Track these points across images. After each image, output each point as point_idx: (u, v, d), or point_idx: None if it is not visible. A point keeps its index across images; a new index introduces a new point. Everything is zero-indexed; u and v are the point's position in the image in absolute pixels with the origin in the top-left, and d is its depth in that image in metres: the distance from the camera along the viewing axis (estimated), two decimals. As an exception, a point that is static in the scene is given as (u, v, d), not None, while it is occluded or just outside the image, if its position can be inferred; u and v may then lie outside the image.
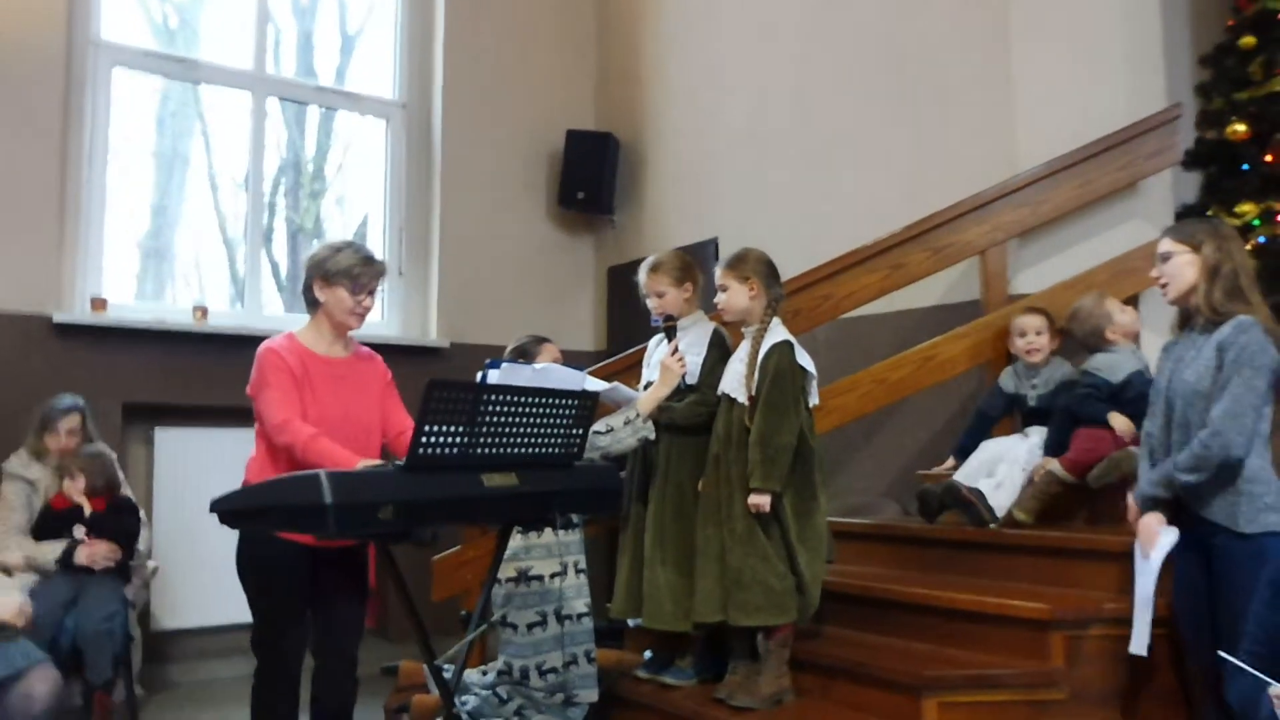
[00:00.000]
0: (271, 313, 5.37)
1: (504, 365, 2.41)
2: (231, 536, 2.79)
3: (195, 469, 4.78)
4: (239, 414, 4.69)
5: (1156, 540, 2.67)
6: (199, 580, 4.71)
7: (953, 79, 4.38)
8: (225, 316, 5.12)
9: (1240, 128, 4.07)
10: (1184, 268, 2.72)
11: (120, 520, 3.91)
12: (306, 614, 2.88)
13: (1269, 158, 4.04)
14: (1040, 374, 3.61)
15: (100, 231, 4.89)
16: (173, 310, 5.02)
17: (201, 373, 4.82)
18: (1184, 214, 4.13)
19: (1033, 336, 3.62)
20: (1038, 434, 3.55)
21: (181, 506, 4.73)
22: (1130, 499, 2.82)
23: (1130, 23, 4.04)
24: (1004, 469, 3.45)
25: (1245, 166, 4.10)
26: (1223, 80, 4.25)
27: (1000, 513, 3.38)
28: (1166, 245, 2.78)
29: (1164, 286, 2.79)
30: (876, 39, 4.69)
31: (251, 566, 2.81)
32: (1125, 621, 2.84)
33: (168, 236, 5.33)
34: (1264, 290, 2.80)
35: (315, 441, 2.63)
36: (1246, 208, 3.97)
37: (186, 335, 4.85)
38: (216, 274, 5.45)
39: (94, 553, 3.77)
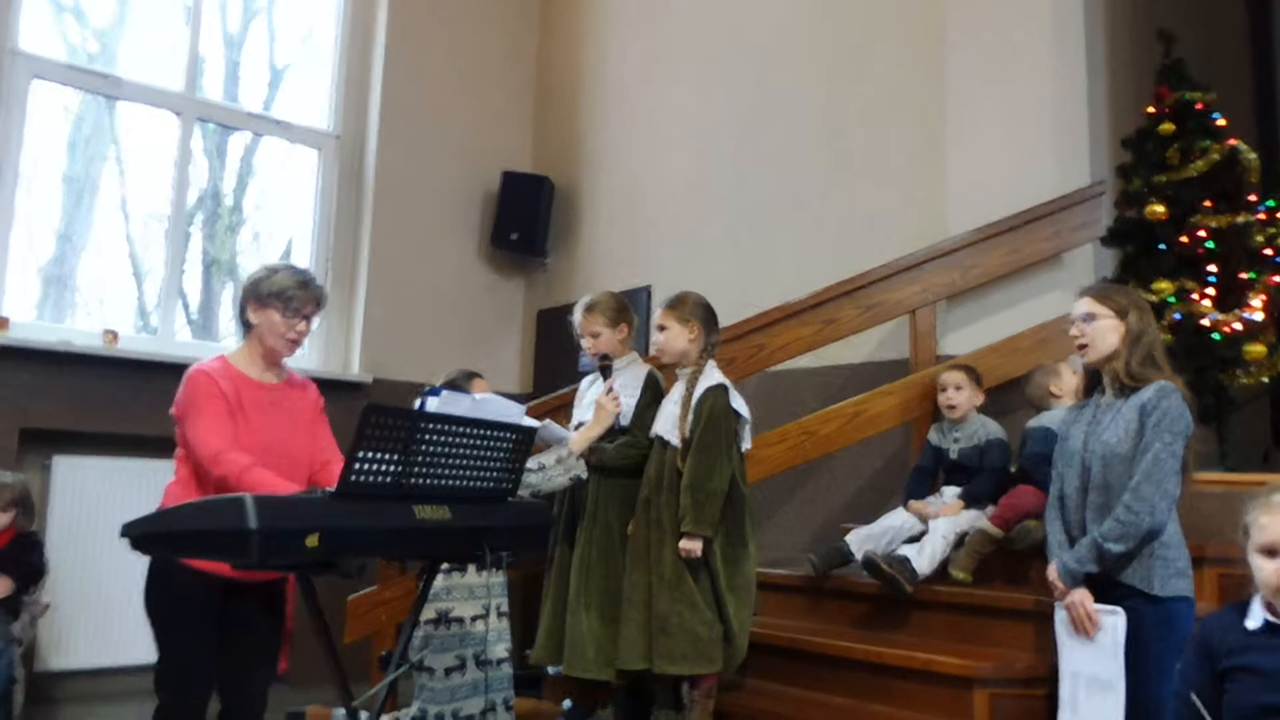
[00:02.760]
0: (185, 339, 5.18)
1: (444, 393, 2.34)
2: (130, 574, 2.63)
3: (95, 500, 4.53)
4: (146, 443, 4.53)
5: (1098, 621, 2.64)
6: (91, 619, 4.45)
7: (890, 144, 4.49)
8: (137, 342, 4.91)
9: (1159, 209, 4.24)
10: (1108, 333, 2.76)
11: (24, 558, 3.67)
12: (215, 651, 2.71)
13: (1184, 239, 4.22)
14: (962, 429, 3.65)
15: (5, 248, 4.67)
16: (81, 333, 4.80)
17: (108, 399, 4.60)
18: (1104, 286, 4.26)
19: (951, 392, 3.67)
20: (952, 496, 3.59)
21: (77, 539, 4.47)
22: (1052, 573, 2.76)
23: (1059, 102, 4.18)
24: (928, 538, 3.46)
25: (1162, 246, 4.27)
26: (1142, 163, 4.44)
27: (920, 576, 3.39)
28: (1090, 306, 2.80)
29: (1083, 347, 2.80)
30: (818, 103, 4.79)
31: (162, 599, 2.62)
32: (1048, 682, 2.86)
33: (71, 264, 5.10)
34: (1179, 365, 2.88)
35: (250, 473, 2.50)
36: (1163, 285, 4.12)
37: (94, 359, 4.62)
38: (123, 304, 5.24)
39: None
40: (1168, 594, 2.59)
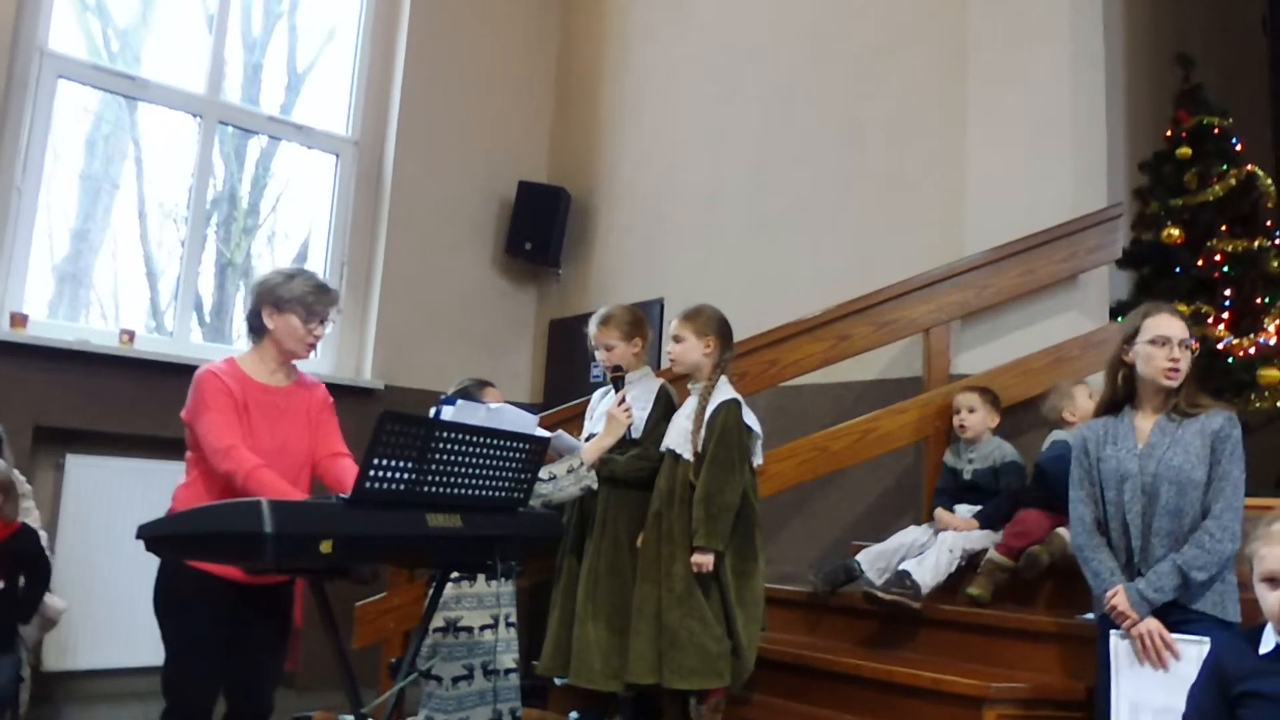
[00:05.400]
0: (199, 341, 5.20)
1: (459, 402, 2.35)
2: (140, 575, 2.63)
3: (106, 500, 4.55)
4: (159, 445, 4.55)
5: (1178, 651, 2.54)
6: (95, 620, 4.43)
7: (908, 161, 4.49)
8: (152, 343, 4.94)
9: (1175, 232, 4.25)
10: (1189, 360, 2.73)
11: (35, 556, 3.46)
12: (223, 654, 2.71)
13: (1200, 262, 4.22)
14: (976, 450, 3.65)
15: (27, 245, 4.70)
16: (97, 333, 4.82)
17: (122, 400, 4.62)
18: (1120, 310, 4.26)
19: (965, 414, 3.67)
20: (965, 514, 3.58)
21: (86, 539, 4.48)
22: (1123, 602, 2.60)
23: (1078, 123, 4.18)
24: (931, 551, 3.46)
25: (1178, 269, 4.27)
26: (1160, 186, 4.46)
27: (924, 589, 3.37)
28: (1185, 332, 2.73)
29: (1176, 372, 2.70)
30: (837, 115, 4.79)
31: (171, 599, 2.64)
32: (1059, 704, 2.85)
33: (87, 262, 5.12)
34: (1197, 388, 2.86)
35: (258, 472, 2.51)
36: (1179, 308, 4.11)
37: (109, 359, 4.65)
38: (136, 304, 5.25)
39: None
40: (1236, 618, 2.58)
